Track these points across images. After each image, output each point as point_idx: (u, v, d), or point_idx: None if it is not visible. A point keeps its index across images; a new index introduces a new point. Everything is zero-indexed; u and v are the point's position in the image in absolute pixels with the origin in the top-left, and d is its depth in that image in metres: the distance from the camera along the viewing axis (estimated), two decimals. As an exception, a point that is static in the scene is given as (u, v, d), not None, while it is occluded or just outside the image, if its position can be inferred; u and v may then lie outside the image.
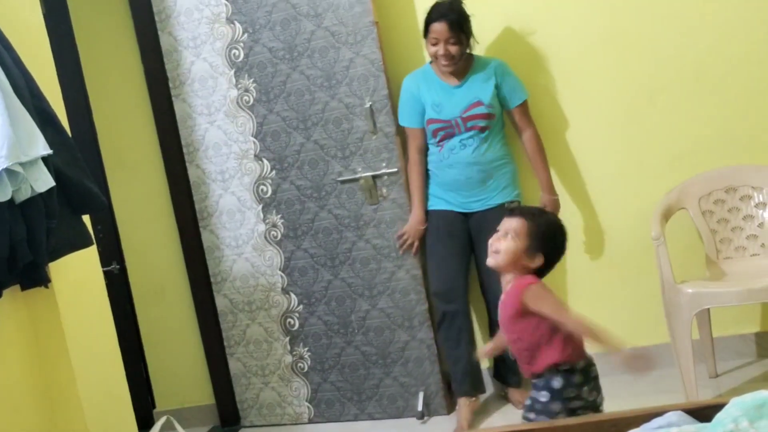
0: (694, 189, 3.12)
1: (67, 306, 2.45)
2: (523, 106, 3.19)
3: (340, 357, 3.51)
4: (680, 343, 2.85)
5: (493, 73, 3.15)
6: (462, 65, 3.14)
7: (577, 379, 2.12)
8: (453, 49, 3.05)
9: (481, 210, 3.15)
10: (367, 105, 3.28)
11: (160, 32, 3.51)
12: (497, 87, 3.14)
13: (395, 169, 3.29)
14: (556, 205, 3.21)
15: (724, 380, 3.13)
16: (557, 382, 2.11)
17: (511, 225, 2.18)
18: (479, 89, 3.13)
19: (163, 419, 2.93)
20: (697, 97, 3.19)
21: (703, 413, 1.38)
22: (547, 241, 2.17)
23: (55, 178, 2.21)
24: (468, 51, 3.14)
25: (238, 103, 3.48)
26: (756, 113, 3.15)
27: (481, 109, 3.10)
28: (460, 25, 3.04)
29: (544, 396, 2.12)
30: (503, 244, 2.16)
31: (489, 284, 3.13)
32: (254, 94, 3.46)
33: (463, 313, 3.22)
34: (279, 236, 3.52)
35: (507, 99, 3.17)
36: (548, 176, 3.22)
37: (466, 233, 3.21)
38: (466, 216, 3.20)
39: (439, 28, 3.04)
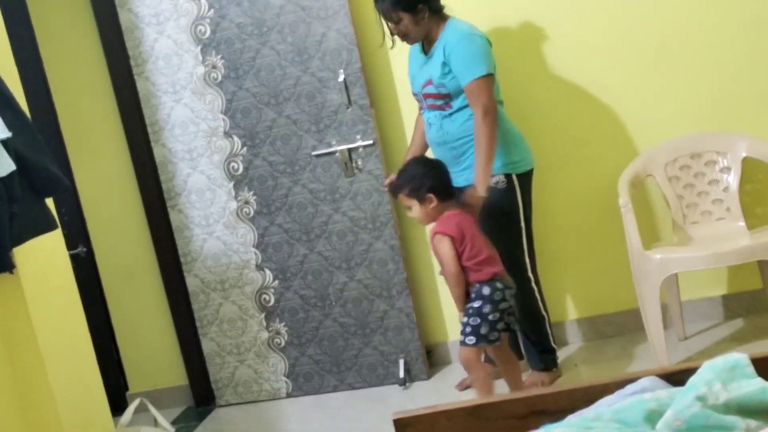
0: (660, 155, 3.15)
1: (34, 291, 2.41)
2: (471, 86, 2.81)
3: (318, 330, 3.51)
4: (649, 308, 2.90)
5: (442, 49, 2.86)
6: (432, 33, 2.89)
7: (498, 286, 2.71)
8: (396, 29, 2.89)
9: (466, 185, 2.88)
10: (341, 78, 3.24)
11: (119, 8, 3.43)
12: (445, 64, 2.85)
13: (371, 141, 3.28)
14: (475, 202, 2.79)
15: (693, 343, 3.18)
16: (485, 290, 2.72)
17: (402, 202, 2.84)
18: (433, 65, 2.89)
19: (136, 402, 2.91)
20: (661, 65, 3.21)
21: (676, 378, 1.40)
22: (421, 186, 2.72)
23: (16, 162, 2.17)
24: (433, 15, 2.86)
25: (205, 80, 3.42)
26: (719, 80, 3.18)
27: (430, 89, 2.91)
28: (393, 5, 2.83)
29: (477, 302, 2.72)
30: (414, 215, 2.80)
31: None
32: (222, 71, 3.40)
33: None
34: (252, 213, 3.49)
35: (457, 78, 2.85)
36: (479, 166, 2.79)
37: None
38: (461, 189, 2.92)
39: (378, 10, 2.92)
